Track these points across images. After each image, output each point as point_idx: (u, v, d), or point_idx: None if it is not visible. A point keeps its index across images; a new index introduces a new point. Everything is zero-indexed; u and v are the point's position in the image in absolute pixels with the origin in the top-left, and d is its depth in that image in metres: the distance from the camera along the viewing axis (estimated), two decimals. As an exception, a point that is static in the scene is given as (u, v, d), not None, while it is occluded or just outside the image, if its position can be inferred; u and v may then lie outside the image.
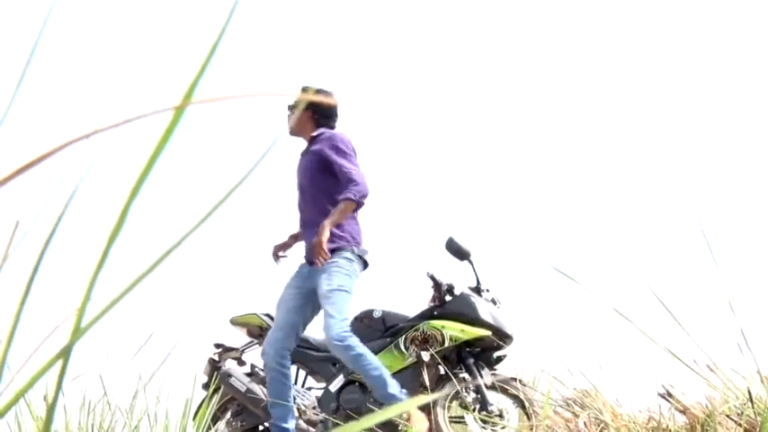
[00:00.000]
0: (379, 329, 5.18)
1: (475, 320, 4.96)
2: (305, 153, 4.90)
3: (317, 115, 4.85)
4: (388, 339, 5.07)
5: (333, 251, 4.62)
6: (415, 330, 4.99)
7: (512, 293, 5.48)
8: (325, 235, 4.50)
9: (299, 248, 5.08)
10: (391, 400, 4.47)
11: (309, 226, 4.77)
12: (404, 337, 5.00)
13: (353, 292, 4.67)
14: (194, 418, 4.60)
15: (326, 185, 4.73)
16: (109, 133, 0.66)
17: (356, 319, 5.09)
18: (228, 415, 5.11)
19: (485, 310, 5.01)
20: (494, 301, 5.15)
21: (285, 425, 4.58)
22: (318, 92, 4.75)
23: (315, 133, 4.84)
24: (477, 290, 5.14)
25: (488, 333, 4.94)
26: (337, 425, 4.77)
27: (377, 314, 5.24)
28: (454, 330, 4.94)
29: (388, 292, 4.63)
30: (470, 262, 5.13)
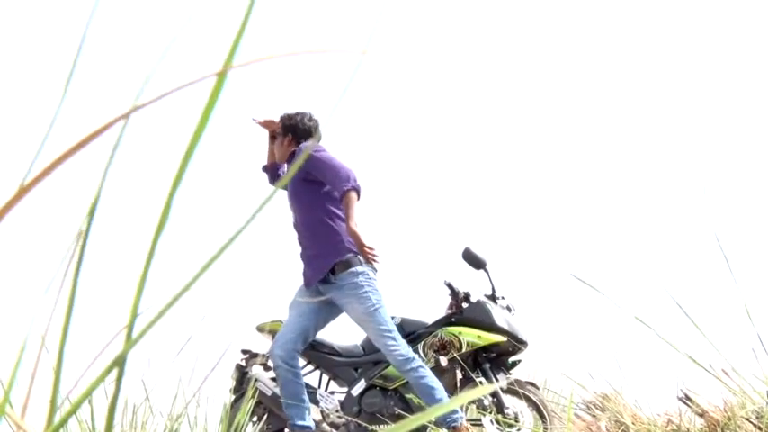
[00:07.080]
0: (398, 336, 5.12)
1: (491, 327, 4.90)
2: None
3: (296, 138, 4.61)
4: (408, 345, 5.00)
5: (349, 271, 4.35)
6: (434, 336, 4.93)
7: (528, 301, 5.40)
8: (361, 237, 4.22)
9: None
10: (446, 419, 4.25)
11: (307, 246, 4.50)
12: (423, 342, 4.95)
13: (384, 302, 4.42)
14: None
15: (312, 196, 4.45)
16: (149, 110, 0.59)
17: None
18: (256, 418, 5.05)
19: (500, 317, 4.95)
20: (509, 308, 5.09)
21: (304, 422, 4.40)
22: (297, 116, 4.60)
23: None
24: (493, 297, 5.08)
25: (504, 339, 4.89)
26: (359, 426, 4.71)
27: (396, 321, 5.16)
28: (471, 336, 4.88)
29: (407, 299, 4.51)
30: (486, 271, 5.07)
